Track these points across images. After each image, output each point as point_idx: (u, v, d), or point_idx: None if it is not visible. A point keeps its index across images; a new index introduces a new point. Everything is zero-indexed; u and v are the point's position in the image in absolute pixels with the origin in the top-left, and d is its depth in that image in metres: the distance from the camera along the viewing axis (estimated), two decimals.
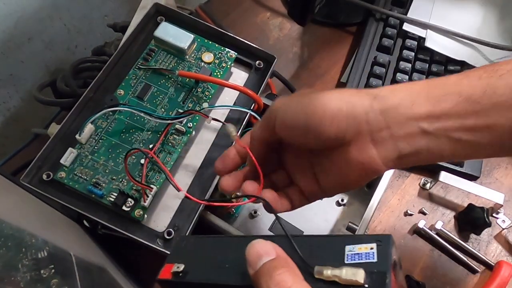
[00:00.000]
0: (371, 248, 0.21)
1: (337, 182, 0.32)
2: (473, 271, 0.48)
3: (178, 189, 0.38)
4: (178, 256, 0.28)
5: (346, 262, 0.22)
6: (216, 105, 0.47)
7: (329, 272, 0.21)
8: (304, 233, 0.47)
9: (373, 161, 0.29)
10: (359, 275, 0.20)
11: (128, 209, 0.40)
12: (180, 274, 0.27)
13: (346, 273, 0.20)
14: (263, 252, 0.24)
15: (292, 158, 0.35)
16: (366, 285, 0.20)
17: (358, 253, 0.22)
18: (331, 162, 0.31)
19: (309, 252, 0.23)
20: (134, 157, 0.42)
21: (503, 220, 0.51)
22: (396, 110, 0.28)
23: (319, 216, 0.48)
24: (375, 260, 0.21)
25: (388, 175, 0.45)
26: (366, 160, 0.29)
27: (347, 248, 0.22)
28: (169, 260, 0.28)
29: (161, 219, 0.41)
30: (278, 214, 0.30)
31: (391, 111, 0.28)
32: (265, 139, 0.33)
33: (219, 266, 0.26)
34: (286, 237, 0.25)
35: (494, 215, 0.51)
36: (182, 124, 0.44)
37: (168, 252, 0.38)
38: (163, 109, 0.45)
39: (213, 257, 0.28)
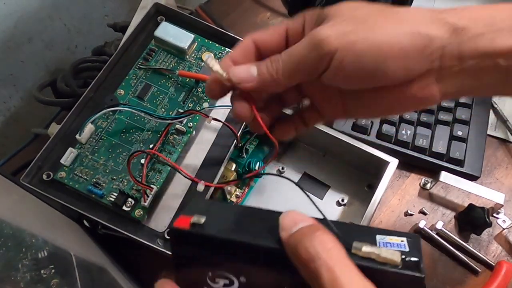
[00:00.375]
0: (402, 241, 0.22)
1: (373, 113, 0.29)
2: (474, 271, 0.48)
3: (196, 181, 0.38)
4: (197, 211, 0.25)
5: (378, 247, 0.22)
6: (216, 105, 0.47)
7: (368, 249, 0.21)
8: None
9: (431, 96, 0.26)
10: (396, 255, 0.21)
11: (128, 209, 0.40)
12: (200, 226, 0.24)
13: (385, 251, 0.21)
14: (300, 218, 0.22)
15: (317, 90, 0.31)
16: (400, 267, 0.20)
17: (389, 242, 0.22)
18: (375, 98, 0.27)
19: (341, 233, 0.23)
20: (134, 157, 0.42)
21: (504, 220, 0.51)
22: (475, 44, 0.24)
23: (319, 216, 0.48)
24: (407, 249, 0.21)
25: (388, 175, 0.45)
26: (425, 96, 0.26)
27: (378, 236, 0.22)
28: (186, 213, 0.25)
29: (161, 219, 0.41)
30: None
31: (469, 44, 0.24)
32: (294, 83, 0.28)
33: (243, 228, 0.24)
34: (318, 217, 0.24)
35: (494, 215, 0.51)
36: (183, 124, 0.44)
37: (169, 253, 0.39)
38: (163, 109, 0.45)
39: (236, 220, 0.25)
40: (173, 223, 0.25)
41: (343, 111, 0.30)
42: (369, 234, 0.23)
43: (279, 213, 0.23)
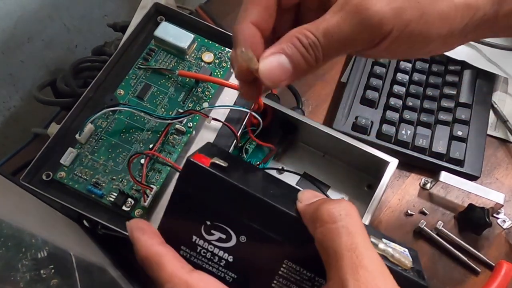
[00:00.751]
0: (405, 250, 0.22)
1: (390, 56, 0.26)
2: (474, 271, 0.48)
3: None
4: (216, 155, 0.24)
5: None
6: (216, 105, 0.47)
7: (384, 247, 0.21)
8: None
9: (452, 46, 0.25)
10: (408, 261, 0.21)
11: (128, 209, 0.40)
12: (222, 168, 0.23)
13: (398, 254, 0.21)
14: (319, 195, 0.22)
15: None
16: (409, 272, 0.21)
17: (394, 248, 0.22)
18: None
19: None
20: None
21: (504, 220, 0.51)
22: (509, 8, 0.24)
23: None
24: (411, 259, 0.22)
25: (388, 175, 0.45)
26: (447, 47, 0.25)
27: (384, 240, 0.22)
28: (203, 152, 0.24)
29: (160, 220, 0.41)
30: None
31: (505, 9, 0.24)
32: (341, 52, 0.24)
33: (262, 187, 0.23)
34: None
35: (494, 215, 0.51)
36: (182, 124, 0.44)
37: None
38: (163, 109, 0.45)
39: (256, 178, 0.24)
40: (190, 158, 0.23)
41: None
42: (376, 235, 0.23)
43: (298, 189, 0.23)
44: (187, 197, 0.23)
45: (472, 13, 0.24)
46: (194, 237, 0.23)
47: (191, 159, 0.23)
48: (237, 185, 0.22)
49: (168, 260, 0.23)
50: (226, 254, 0.23)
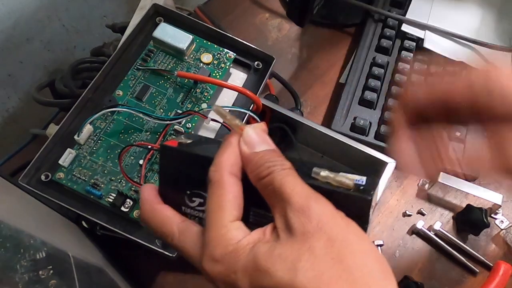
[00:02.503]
0: (361, 178, 0.24)
1: None
2: (472, 272, 0.48)
3: None
4: (185, 137, 0.29)
5: None
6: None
7: (325, 174, 0.24)
8: None
9: None
10: (350, 181, 0.23)
11: (127, 209, 0.40)
12: (186, 145, 0.27)
13: (340, 177, 0.24)
14: (263, 139, 0.25)
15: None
16: (351, 190, 0.23)
17: (340, 174, 0.25)
18: None
19: (308, 163, 0.26)
20: (132, 157, 0.42)
21: (502, 221, 0.51)
22: None
23: None
24: (364, 183, 0.24)
25: (387, 175, 0.45)
26: None
27: (341, 172, 0.25)
28: (177, 139, 0.29)
29: None
30: None
31: None
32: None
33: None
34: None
35: (492, 215, 0.51)
36: (181, 125, 0.44)
37: (167, 253, 0.39)
38: (162, 110, 0.45)
39: (217, 146, 0.27)
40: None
41: None
42: (334, 168, 0.25)
43: None
44: (168, 174, 0.28)
45: None
46: (183, 207, 0.27)
47: (163, 144, 0.27)
48: (199, 154, 0.26)
49: (166, 212, 0.27)
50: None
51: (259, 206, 0.25)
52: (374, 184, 0.24)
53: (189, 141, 0.27)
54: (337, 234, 0.21)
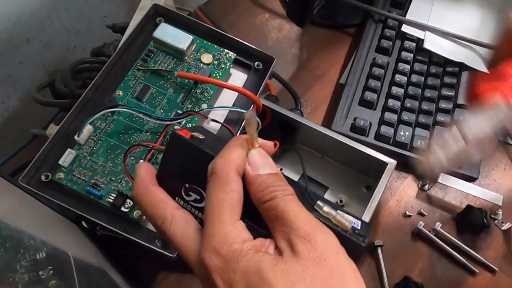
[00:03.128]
0: (357, 221, 0.25)
1: None
2: (471, 272, 0.48)
3: None
4: (198, 131, 0.28)
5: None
6: (215, 106, 0.47)
7: (328, 210, 0.25)
8: None
9: None
10: (349, 223, 0.25)
11: (127, 210, 0.40)
12: (198, 140, 0.27)
13: (340, 216, 0.25)
14: (269, 163, 0.25)
15: None
16: (348, 233, 0.25)
17: (339, 214, 0.26)
18: None
19: (312, 194, 0.26)
20: (133, 157, 0.42)
21: (502, 222, 0.51)
22: None
23: None
24: (359, 228, 0.25)
25: (387, 176, 0.45)
26: None
27: (339, 211, 0.26)
28: (188, 129, 0.28)
29: None
30: None
31: None
32: None
33: None
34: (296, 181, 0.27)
35: (492, 216, 0.51)
36: (181, 125, 0.44)
37: (167, 253, 0.39)
38: (162, 110, 0.45)
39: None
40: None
41: None
42: (334, 206, 0.26)
43: None
44: (172, 162, 0.27)
45: None
46: (177, 198, 0.27)
47: (175, 132, 0.27)
48: (210, 154, 0.26)
49: (161, 195, 0.27)
50: (200, 213, 0.27)
51: (252, 220, 0.25)
52: (368, 229, 0.25)
53: (201, 137, 0.27)
54: (338, 271, 0.22)
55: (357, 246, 0.24)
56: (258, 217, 0.25)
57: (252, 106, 0.47)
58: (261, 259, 0.22)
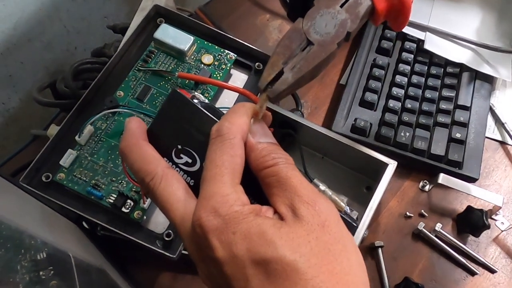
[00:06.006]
0: (346, 207, 0.27)
1: None
2: (472, 273, 0.48)
3: None
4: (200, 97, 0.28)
5: None
6: (215, 106, 0.47)
7: (324, 188, 0.26)
8: None
9: None
10: (343, 204, 0.26)
11: (128, 210, 0.40)
12: (199, 101, 0.26)
13: (335, 196, 0.26)
14: (266, 133, 0.25)
15: None
16: (343, 212, 0.25)
17: (334, 194, 0.27)
18: None
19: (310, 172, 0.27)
20: None
21: (502, 222, 0.51)
22: None
23: None
24: (349, 212, 0.27)
25: (387, 177, 0.45)
26: None
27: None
28: (191, 92, 0.28)
29: (160, 221, 0.41)
30: None
31: None
32: None
33: None
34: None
35: (493, 217, 0.51)
36: None
37: (168, 254, 0.39)
38: None
39: None
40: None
41: None
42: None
43: None
44: (166, 120, 0.26)
45: None
46: (165, 159, 0.26)
47: (176, 89, 0.26)
48: (209, 115, 0.25)
49: (153, 151, 0.26)
50: (189, 178, 0.26)
51: (247, 193, 0.24)
52: (355, 214, 0.27)
53: (202, 99, 0.27)
54: (340, 237, 0.22)
55: (351, 226, 0.24)
56: (251, 188, 0.24)
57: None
58: (264, 221, 0.22)
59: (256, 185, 0.24)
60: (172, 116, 0.26)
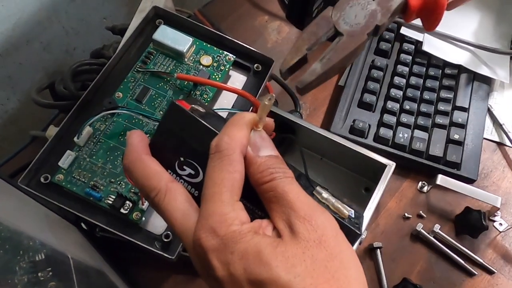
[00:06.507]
0: (350, 210, 0.26)
1: None
2: (470, 274, 0.48)
3: None
4: (198, 104, 0.27)
5: None
6: (214, 108, 0.47)
7: (327, 196, 0.25)
8: None
9: None
10: (346, 211, 0.25)
11: (126, 211, 0.40)
12: (198, 113, 0.26)
13: (338, 204, 0.25)
14: (269, 145, 0.25)
15: None
16: (346, 220, 0.25)
17: (338, 201, 0.26)
18: None
19: (312, 182, 0.27)
20: None
21: (500, 223, 0.51)
22: None
23: None
24: (354, 217, 0.26)
25: (386, 178, 0.46)
26: None
27: (334, 196, 0.27)
28: (187, 101, 0.27)
29: (159, 222, 0.41)
30: None
31: None
32: None
33: None
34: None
35: (491, 218, 0.51)
36: None
37: (167, 255, 0.39)
38: (161, 112, 0.45)
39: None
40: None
41: None
42: (332, 194, 0.27)
43: None
44: (168, 133, 0.26)
45: None
46: (169, 171, 0.26)
47: (175, 102, 0.26)
48: (209, 127, 0.25)
49: (156, 166, 0.26)
50: (193, 189, 0.26)
51: (249, 200, 0.25)
52: (361, 219, 0.26)
53: (202, 110, 0.26)
54: (338, 253, 0.22)
55: (354, 234, 0.24)
56: (254, 198, 0.24)
57: (251, 108, 0.47)
58: (260, 241, 0.22)
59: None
60: (172, 129, 0.26)
